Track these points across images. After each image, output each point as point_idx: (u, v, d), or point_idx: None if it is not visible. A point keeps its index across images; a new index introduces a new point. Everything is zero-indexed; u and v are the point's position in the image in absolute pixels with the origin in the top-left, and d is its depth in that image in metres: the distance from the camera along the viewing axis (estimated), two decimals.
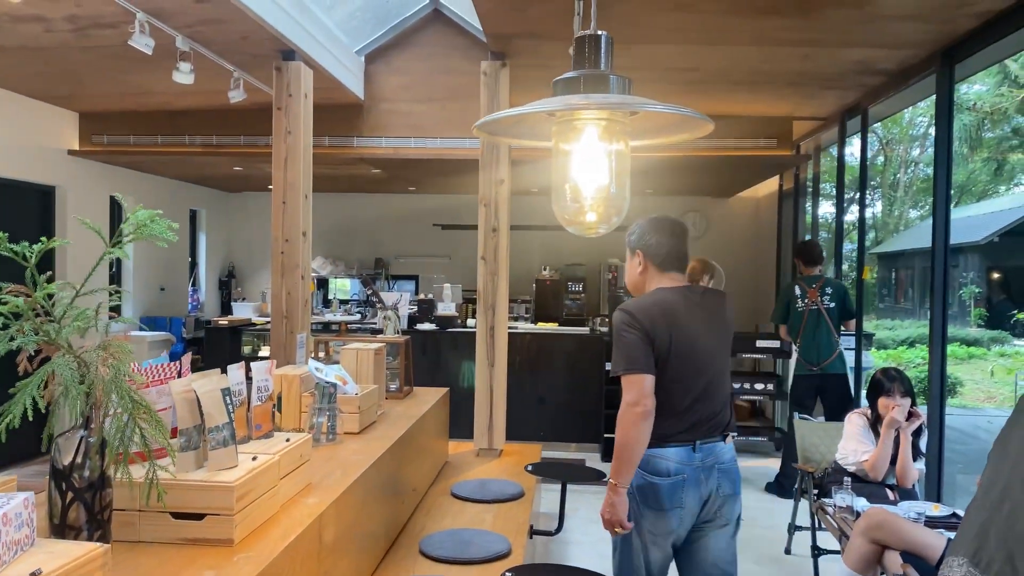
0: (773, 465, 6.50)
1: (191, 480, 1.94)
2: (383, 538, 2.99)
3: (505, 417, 4.76)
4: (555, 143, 2.18)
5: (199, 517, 1.93)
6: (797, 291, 5.87)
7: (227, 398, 2.09)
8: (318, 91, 5.99)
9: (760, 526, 4.99)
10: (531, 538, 3.61)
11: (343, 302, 9.03)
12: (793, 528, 4.47)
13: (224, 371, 2.22)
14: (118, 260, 7.52)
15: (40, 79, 5.68)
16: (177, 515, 1.93)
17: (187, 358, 2.42)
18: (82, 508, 1.67)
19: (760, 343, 6.84)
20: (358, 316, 7.79)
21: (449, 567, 2.94)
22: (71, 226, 6.55)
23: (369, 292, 4.20)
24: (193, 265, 9.11)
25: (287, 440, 2.37)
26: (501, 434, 4.71)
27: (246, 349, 7.61)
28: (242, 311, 8.05)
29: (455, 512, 3.59)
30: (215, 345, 6.99)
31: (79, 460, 1.66)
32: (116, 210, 7.45)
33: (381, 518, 2.96)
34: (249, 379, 2.39)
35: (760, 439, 6.99)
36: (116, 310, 7.44)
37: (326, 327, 7.75)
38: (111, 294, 1.96)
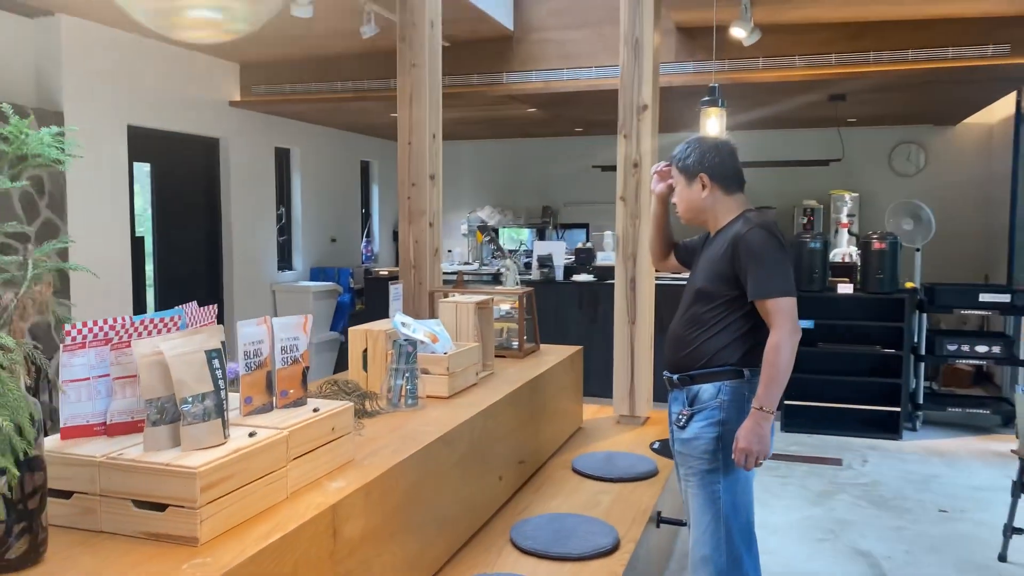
0: (996, 443, 5.40)
1: (153, 462, 1.60)
2: (464, 523, 2.56)
3: (652, 381, 4.17)
4: None
5: (161, 508, 1.59)
6: None
7: (214, 361, 1.72)
8: (460, 23, 5.58)
9: (971, 521, 4.07)
10: (658, 527, 3.05)
11: (512, 252, 8.70)
12: (1010, 530, 3.55)
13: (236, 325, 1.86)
14: (287, 212, 7.66)
15: None
16: (139, 503, 1.60)
17: (211, 308, 2.09)
18: None
19: (984, 296, 5.67)
20: (493, 267, 7.41)
21: (537, 562, 2.47)
22: (235, 176, 6.66)
23: (487, 239, 3.74)
24: (366, 216, 9.16)
25: (314, 411, 1.98)
26: (645, 400, 4.13)
27: None
28: None
29: (569, 490, 3.11)
30: (375, 296, 6.90)
31: None
32: (283, 161, 7.54)
33: (461, 499, 2.53)
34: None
35: (983, 411, 5.85)
36: (286, 261, 7.59)
37: (495, 278, 7.46)
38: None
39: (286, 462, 1.83)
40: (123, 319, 1.80)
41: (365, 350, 2.89)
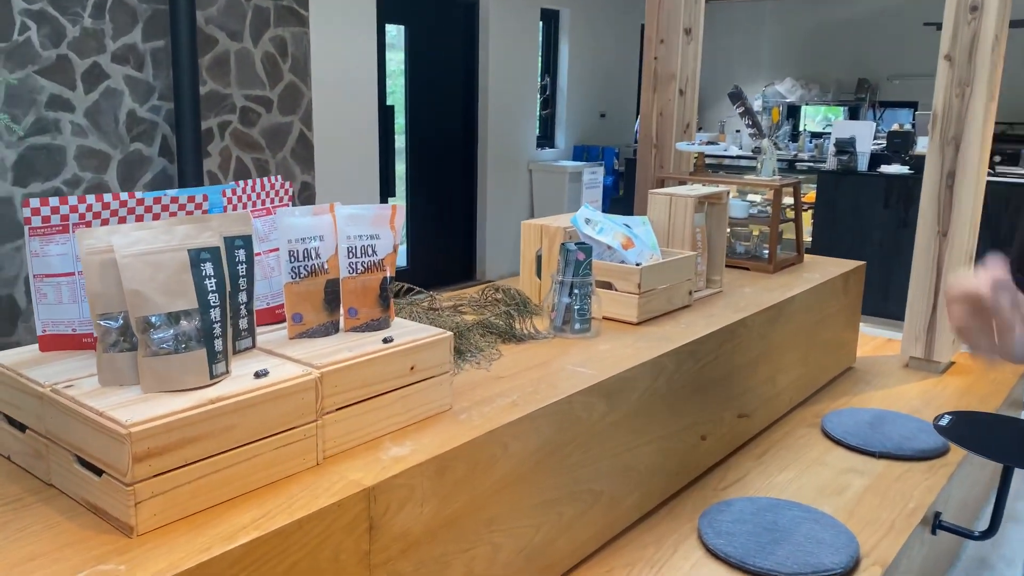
0: None
1: (87, 406, 1.11)
2: (630, 499, 1.88)
3: None
4: None
5: (99, 472, 1.11)
6: None
7: (204, 266, 1.18)
8: None
9: None
10: (934, 533, 2.12)
11: (815, 136, 7.35)
12: None
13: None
14: (552, 82, 7.04)
15: None
16: (82, 461, 1.14)
17: (287, 187, 1.56)
18: None
19: None
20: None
21: (727, 573, 1.73)
22: (495, 42, 6.14)
23: (739, 110, 2.83)
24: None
25: (385, 341, 1.39)
26: (950, 341, 3.03)
27: None
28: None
29: (808, 461, 2.27)
30: (633, 181, 6.12)
31: None
32: (550, 25, 6.87)
33: (627, 466, 1.84)
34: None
35: None
36: (548, 137, 7.04)
37: (790, 165, 6.34)
38: None
39: (316, 415, 1.27)
40: (116, 197, 1.31)
41: (539, 252, 2.24)
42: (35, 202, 1.24)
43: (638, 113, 8.03)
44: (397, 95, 5.84)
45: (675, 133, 3.58)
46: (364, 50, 5.16)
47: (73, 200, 1.27)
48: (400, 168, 5.85)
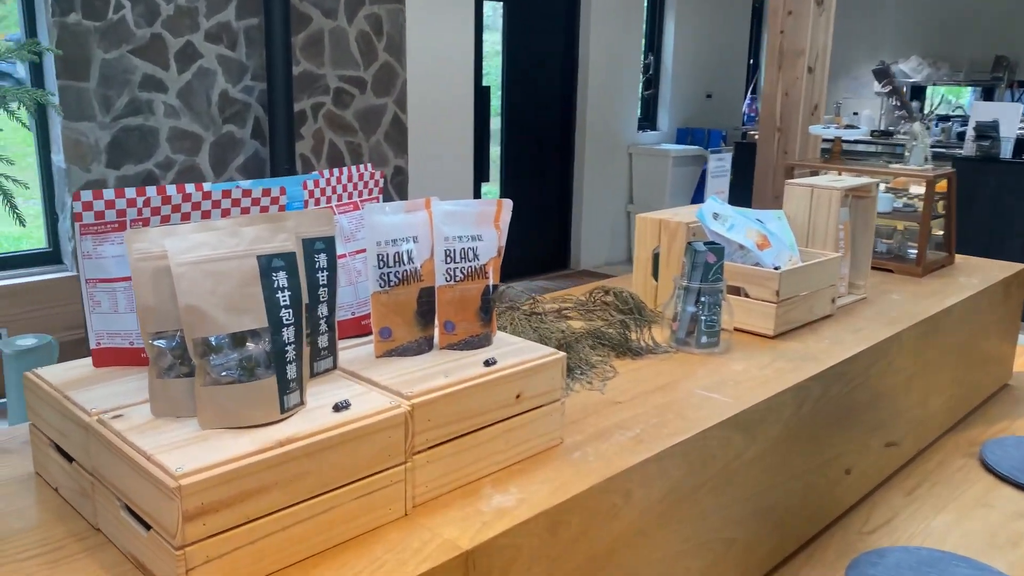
0: None
1: (134, 445, 0.92)
2: (766, 545, 1.60)
3: None
4: None
5: (147, 526, 0.92)
6: None
7: (278, 276, 0.97)
8: None
9: None
10: None
11: (943, 119, 6.76)
12: None
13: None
14: (656, 61, 6.67)
15: None
16: (129, 509, 0.95)
17: (377, 177, 1.36)
18: None
19: None
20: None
21: None
22: (597, 18, 5.83)
23: (885, 89, 2.47)
24: (754, 68, 7.78)
25: (487, 363, 1.16)
26: None
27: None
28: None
29: (969, 503, 1.94)
30: (744, 166, 5.72)
31: None
32: (656, 0, 6.50)
33: (765, 507, 1.57)
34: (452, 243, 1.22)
35: None
36: (650, 119, 6.69)
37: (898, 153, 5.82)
38: None
39: (405, 455, 1.05)
40: (180, 189, 1.12)
41: (657, 250, 1.97)
42: (86, 195, 1.06)
43: (747, 93, 7.58)
44: (493, 76, 5.62)
45: (802, 115, 3.23)
46: (461, 29, 4.95)
47: (131, 192, 1.09)
48: (495, 151, 5.63)
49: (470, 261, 1.22)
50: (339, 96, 4.33)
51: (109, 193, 1.08)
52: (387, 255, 1.17)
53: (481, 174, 5.35)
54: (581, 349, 1.66)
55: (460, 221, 1.21)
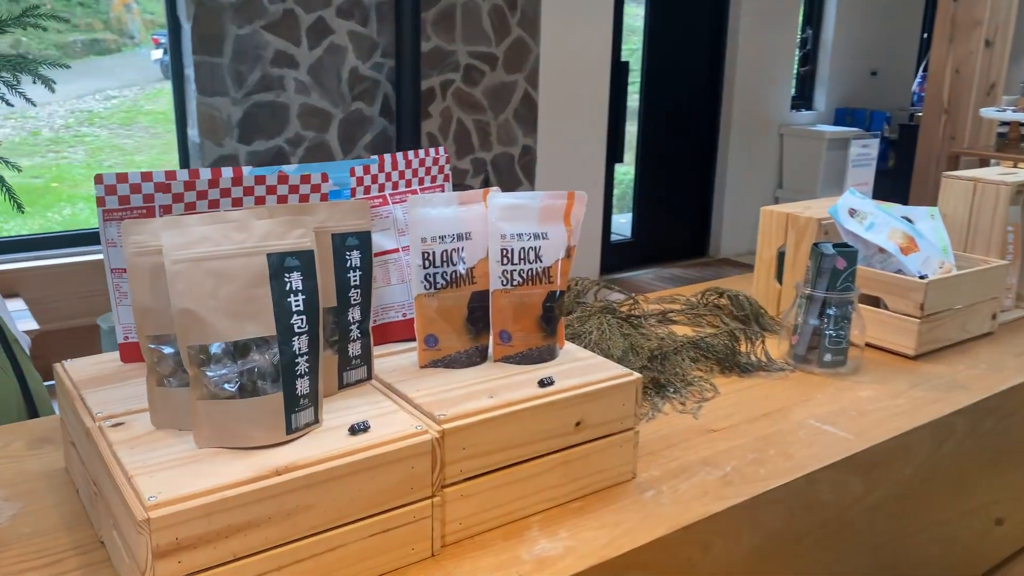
0: None
1: (120, 463, 0.82)
2: None
3: None
4: None
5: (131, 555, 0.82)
6: None
7: (290, 277, 0.85)
8: None
9: None
10: None
11: None
12: None
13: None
14: (814, 35, 6.16)
15: None
16: (119, 527, 0.86)
17: (434, 156, 1.22)
18: None
19: None
20: None
21: None
22: None
23: None
24: (926, 43, 7.04)
25: (542, 384, 1.00)
26: None
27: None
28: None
29: None
30: (910, 151, 5.17)
31: None
32: None
33: (897, 569, 1.32)
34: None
35: None
36: (805, 98, 6.19)
37: None
38: None
39: (432, 489, 0.90)
40: (217, 172, 1.02)
41: (782, 249, 1.73)
42: (109, 178, 0.98)
43: (917, 70, 6.89)
44: (633, 50, 5.36)
45: (975, 95, 2.81)
46: (601, 1, 4.72)
47: (159, 176, 1.00)
48: (631, 130, 5.38)
49: (531, 263, 1.05)
50: (469, 73, 4.23)
51: (135, 176, 0.99)
52: (433, 253, 1.02)
53: (615, 154, 5.12)
54: (680, 362, 1.46)
55: (521, 217, 1.05)
